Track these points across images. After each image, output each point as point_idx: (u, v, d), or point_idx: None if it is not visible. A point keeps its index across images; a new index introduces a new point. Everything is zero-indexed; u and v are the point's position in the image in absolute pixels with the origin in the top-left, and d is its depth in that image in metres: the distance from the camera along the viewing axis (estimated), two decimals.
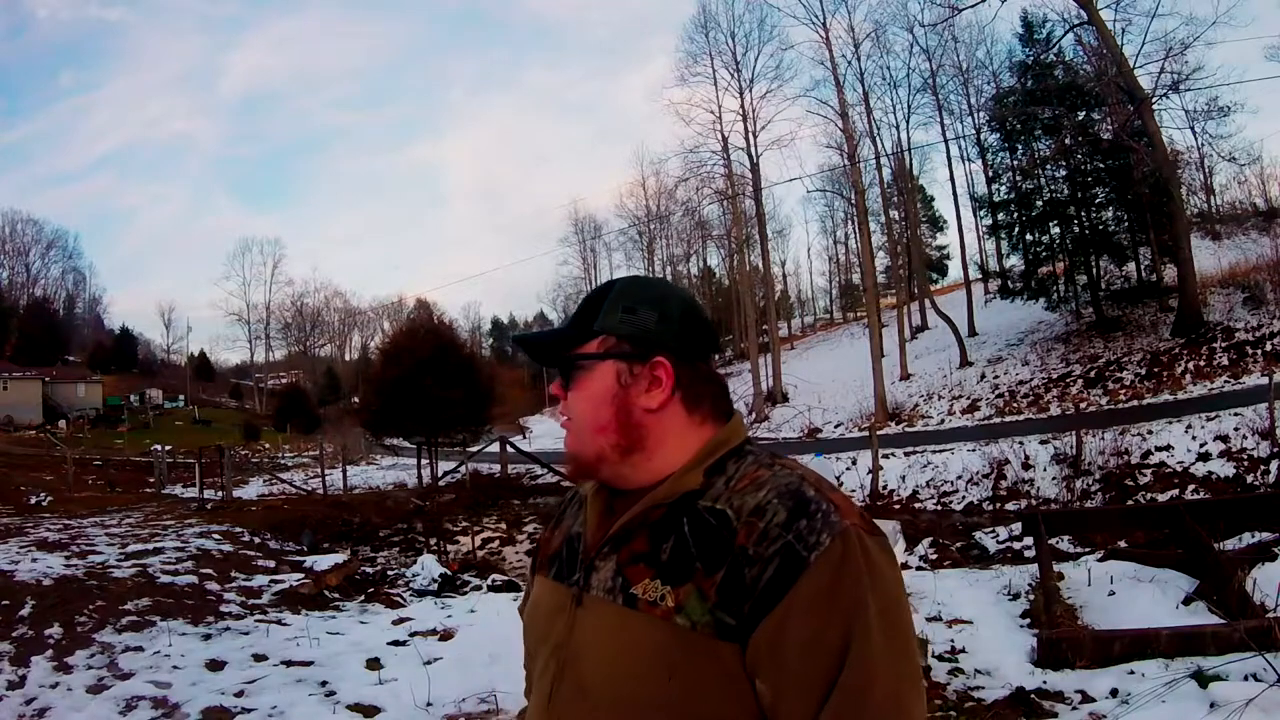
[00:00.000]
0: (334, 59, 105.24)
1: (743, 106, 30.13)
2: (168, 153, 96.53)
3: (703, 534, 0.79)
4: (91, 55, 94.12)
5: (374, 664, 4.71)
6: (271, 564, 8.12)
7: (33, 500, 16.10)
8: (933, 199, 43.17)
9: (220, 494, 17.33)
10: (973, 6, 23.16)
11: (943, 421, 20.55)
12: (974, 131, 30.79)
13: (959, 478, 12.71)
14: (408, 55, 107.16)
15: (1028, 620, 4.73)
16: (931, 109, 31.92)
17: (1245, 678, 3.24)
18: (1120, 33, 20.48)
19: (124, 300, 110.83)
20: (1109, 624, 4.29)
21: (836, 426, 23.74)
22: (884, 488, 13.12)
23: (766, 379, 31.17)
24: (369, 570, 9.31)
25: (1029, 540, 7.20)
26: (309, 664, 4.70)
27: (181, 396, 58.43)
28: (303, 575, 7.57)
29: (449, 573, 8.54)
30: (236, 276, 64.83)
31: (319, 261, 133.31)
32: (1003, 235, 27.12)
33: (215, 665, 4.67)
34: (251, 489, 21.52)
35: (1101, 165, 23.16)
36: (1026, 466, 12.04)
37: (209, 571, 7.21)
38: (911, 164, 33.85)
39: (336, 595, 7.38)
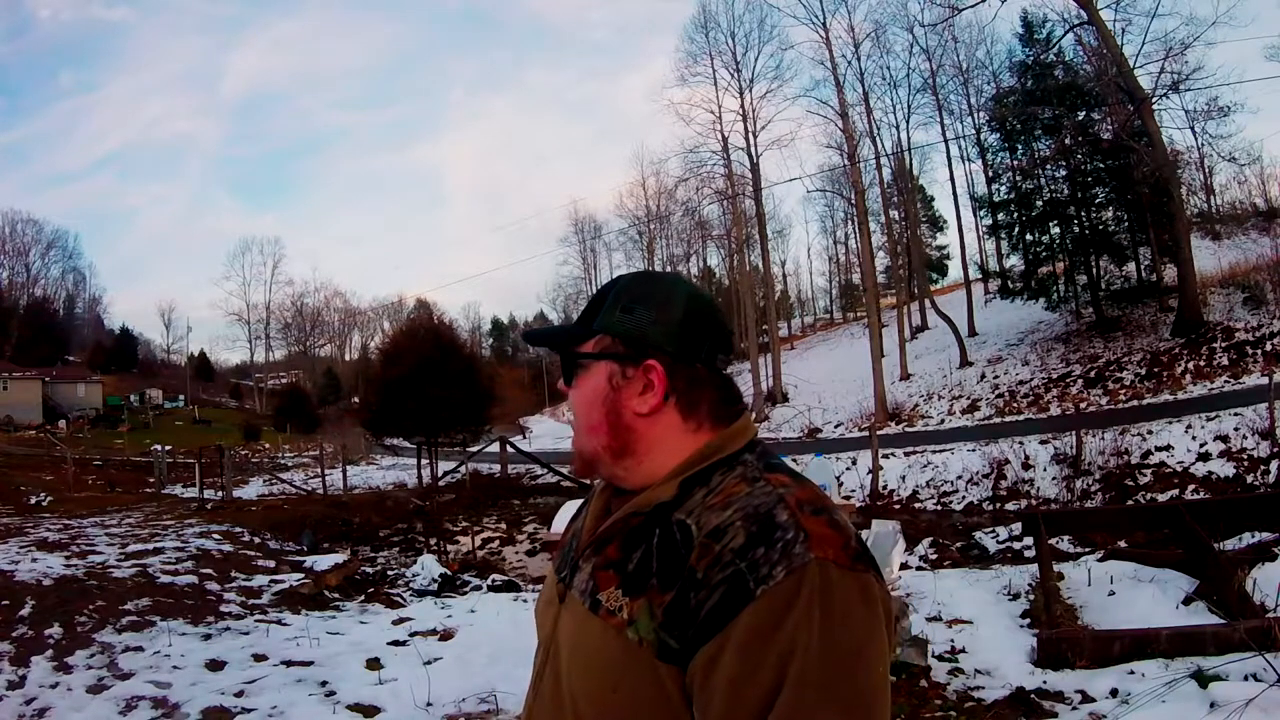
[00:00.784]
0: (335, 59, 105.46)
1: (743, 106, 30.17)
2: (168, 153, 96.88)
3: (666, 549, 0.76)
4: (92, 55, 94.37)
5: (374, 664, 4.71)
6: (271, 564, 8.12)
7: (33, 500, 16.11)
8: (933, 199, 43.23)
9: (220, 494, 17.33)
10: (973, 6, 23.19)
11: (943, 421, 20.55)
12: (974, 131, 30.81)
13: (959, 478, 12.72)
14: (408, 55, 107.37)
15: (1028, 620, 4.72)
16: (931, 109, 31.97)
17: (1245, 678, 3.23)
18: (1120, 33, 20.50)
19: (124, 300, 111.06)
20: (1109, 624, 4.29)
21: (836, 426, 23.74)
22: (884, 488, 13.12)
23: (766, 379, 31.18)
24: (369, 570, 9.31)
25: (1029, 540, 7.20)
26: (309, 664, 4.70)
27: (181, 396, 58.46)
28: (303, 575, 7.57)
29: (449, 573, 8.54)
30: (236, 276, 65.03)
31: (319, 261, 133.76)
32: (1003, 235, 27.13)
33: (215, 665, 4.67)
34: (251, 489, 21.52)
35: (1101, 165, 23.16)
36: (1026, 466, 12.04)
37: (209, 571, 7.21)
38: (911, 164, 33.90)
39: (336, 595, 7.38)
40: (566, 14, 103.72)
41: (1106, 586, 4.88)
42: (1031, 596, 5.01)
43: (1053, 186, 25.10)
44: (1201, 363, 17.95)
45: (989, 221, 28.52)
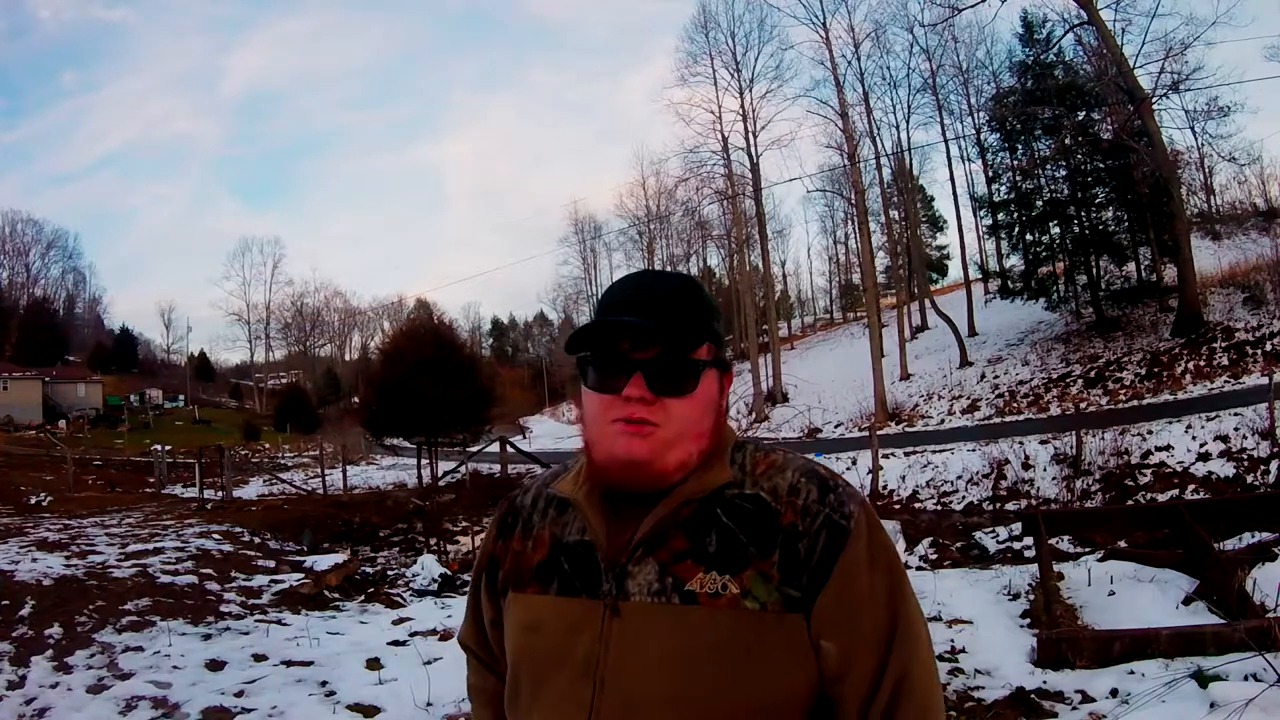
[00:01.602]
0: (335, 59, 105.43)
1: (743, 106, 30.19)
2: (168, 153, 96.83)
3: (745, 521, 0.83)
4: (93, 56, 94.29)
5: (374, 664, 4.71)
6: (271, 564, 8.12)
7: (33, 500, 16.10)
8: (933, 199, 43.23)
9: (220, 494, 17.33)
10: (973, 6, 23.22)
11: (943, 421, 20.55)
12: (974, 131, 30.82)
13: (959, 478, 12.71)
14: (409, 56, 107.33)
15: (1028, 620, 4.72)
16: (931, 109, 32.02)
17: (1245, 678, 3.23)
18: (1120, 33, 20.53)
19: (124, 300, 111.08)
20: (1109, 624, 4.28)
21: (836, 426, 23.75)
22: (884, 488, 13.11)
23: (766, 379, 31.17)
24: (369, 570, 9.31)
25: (1029, 540, 7.20)
26: (309, 664, 4.70)
27: (181, 396, 58.42)
28: (303, 575, 7.56)
29: (449, 573, 8.54)
30: (236, 276, 64.91)
31: (319, 261, 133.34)
32: (1003, 235, 27.15)
33: (215, 665, 4.67)
34: (251, 489, 21.50)
35: (1101, 165, 23.17)
36: (1026, 466, 12.03)
37: (209, 571, 7.20)
38: (911, 164, 33.91)
39: (336, 595, 7.38)
40: (567, 14, 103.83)
41: (1106, 586, 4.88)
42: (1031, 596, 5.00)
43: (1053, 186, 25.12)
44: (1201, 363, 17.95)
45: (989, 221, 28.55)
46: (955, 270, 43.28)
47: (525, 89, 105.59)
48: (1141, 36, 20.44)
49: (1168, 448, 11.22)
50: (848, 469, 13.95)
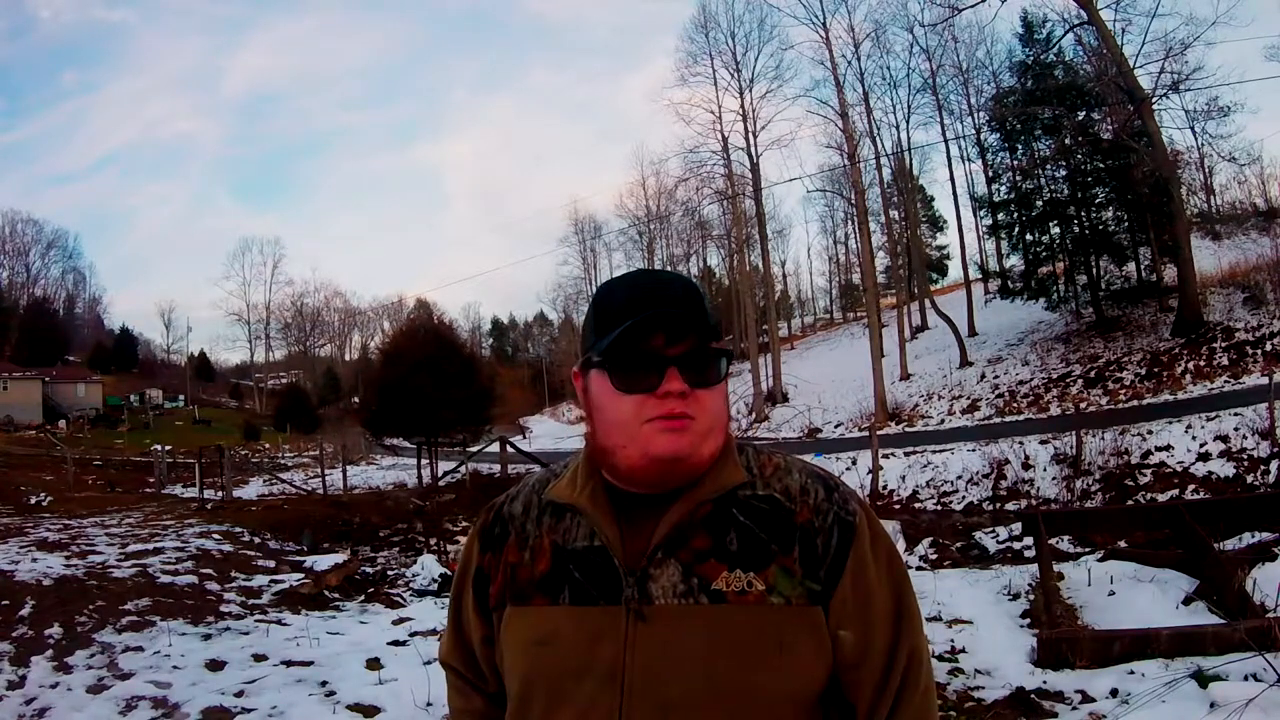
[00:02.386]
0: (335, 59, 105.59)
1: (743, 106, 30.20)
2: (168, 153, 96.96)
3: (763, 519, 0.85)
4: (93, 56, 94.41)
5: (374, 664, 4.70)
6: (271, 564, 8.11)
7: (33, 500, 16.10)
8: (933, 199, 43.25)
9: (220, 494, 17.32)
10: (973, 6, 23.24)
11: (943, 421, 20.55)
12: (974, 131, 30.83)
13: (959, 478, 12.71)
14: (409, 55, 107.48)
15: (1028, 620, 4.72)
16: (931, 109, 32.01)
17: (1245, 678, 3.23)
18: (1120, 33, 20.54)
19: (124, 300, 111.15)
20: (1109, 624, 4.28)
21: (836, 426, 23.75)
22: (884, 488, 13.10)
23: (766, 379, 31.17)
24: (369, 570, 9.30)
25: (1029, 540, 7.19)
26: (309, 664, 4.69)
27: (181, 396, 58.40)
28: (303, 575, 7.56)
29: (449, 573, 8.52)
30: (236, 276, 64.88)
31: (319, 261, 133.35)
32: (1003, 235, 27.15)
33: (215, 665, 4.66)
34: (251, 489, 21.49)
35: (1101, 165, 23.17)
36: (1026, 466, 12.03)
37: (209, 571, 7.20)
38: (911, 164, 33.92)
39: (336, 595, 7.37)
40: (567, 15, 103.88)
41: (1106, 586, 4.88)
42: (1031, 596, 5.00)
43: (1053, 186, 25.12)
44: (1201, 363, 17.95)
45: (989, 221, 28.57)
46: (955, 270, 43.37)
47: (525, 89, 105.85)
48: (1141, 36, 20.47)
49: (1168, 448, 11.21)
50: (848, 469, 13.95)
